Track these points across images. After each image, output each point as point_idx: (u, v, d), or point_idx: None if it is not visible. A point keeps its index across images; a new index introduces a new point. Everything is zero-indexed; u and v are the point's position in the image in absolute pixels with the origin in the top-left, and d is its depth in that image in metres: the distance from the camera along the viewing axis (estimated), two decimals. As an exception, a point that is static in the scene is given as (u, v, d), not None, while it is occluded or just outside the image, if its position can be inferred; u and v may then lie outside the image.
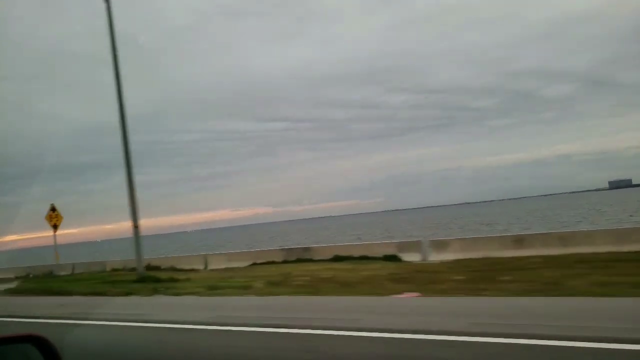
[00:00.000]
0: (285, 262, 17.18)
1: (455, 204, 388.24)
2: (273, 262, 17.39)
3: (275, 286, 11.15)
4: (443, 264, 12.65)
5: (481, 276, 9.75)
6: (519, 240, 14.37)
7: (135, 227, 15.24)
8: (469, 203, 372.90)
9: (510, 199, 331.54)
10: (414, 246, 15.72)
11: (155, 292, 11.95)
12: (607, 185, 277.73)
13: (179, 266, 19.76)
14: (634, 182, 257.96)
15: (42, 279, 19.96)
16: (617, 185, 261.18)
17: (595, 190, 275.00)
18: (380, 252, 15.84)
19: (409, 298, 8.45)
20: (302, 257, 17.53)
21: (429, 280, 9.96)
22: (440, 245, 15.86)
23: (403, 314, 6.96)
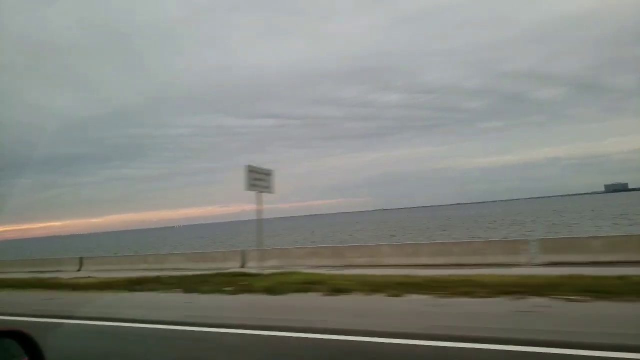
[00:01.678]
0: None
1: (445, 205, 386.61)
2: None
3: None
4: None
5: None
6: None
7: None
8: (460, 204, 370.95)
9: (502, 201, 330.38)
10: None
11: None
12: (603, 189, 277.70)
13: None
14: (630, 187, 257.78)
15: None
16: (614, 189, 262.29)
17: (591, 193, 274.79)
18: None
19: None
20: None
21: None
22: None
23: None
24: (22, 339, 2.07)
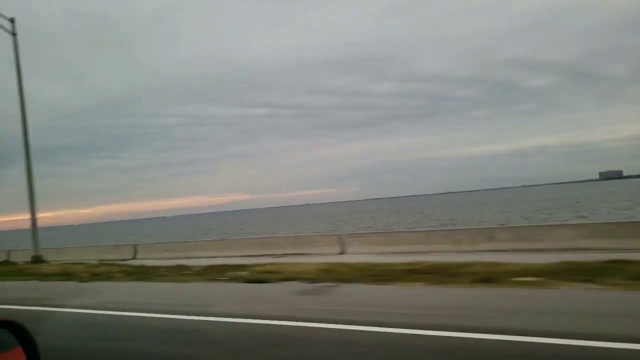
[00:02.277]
0: None
1: (436, 194, 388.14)
2: None
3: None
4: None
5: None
6: None
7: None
8: (451, 192, 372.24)
9: (496, 189, 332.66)
10: None
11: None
12: (597, 177, 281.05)
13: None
14: (624, 174, 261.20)
15: None
16: (608, 176, 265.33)
17: (585, 181, 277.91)
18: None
19: None
20: None
21: None
22: None
23: None
24: (14, 328, 2.00)
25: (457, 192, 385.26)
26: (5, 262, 16.27)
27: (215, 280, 10.09)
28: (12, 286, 12.00)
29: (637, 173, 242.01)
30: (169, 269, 12.26)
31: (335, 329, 5.30)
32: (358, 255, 13.60)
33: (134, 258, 17.39)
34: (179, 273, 11.54)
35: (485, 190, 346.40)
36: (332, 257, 13.08)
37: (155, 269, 12.49)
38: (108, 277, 11.70)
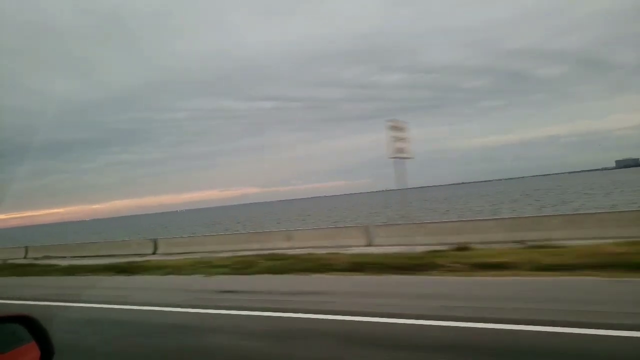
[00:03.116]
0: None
1: (447, 184, 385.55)
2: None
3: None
4: None
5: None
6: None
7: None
8: (466, 183, 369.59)
9: (509, 179, 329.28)
10: None
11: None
12: (614, 165, 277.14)
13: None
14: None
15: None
16: (625, 164, 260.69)
17: (602, 169, 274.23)
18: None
19: None
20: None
21: None
22: None
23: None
24: (29, 323, 2.01)
25: (470, 182, 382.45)
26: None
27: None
28: None
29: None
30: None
31: None
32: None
33: (369, 244, 15.07)
34: None
35: (499, 180, 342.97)
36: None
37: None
38: None
